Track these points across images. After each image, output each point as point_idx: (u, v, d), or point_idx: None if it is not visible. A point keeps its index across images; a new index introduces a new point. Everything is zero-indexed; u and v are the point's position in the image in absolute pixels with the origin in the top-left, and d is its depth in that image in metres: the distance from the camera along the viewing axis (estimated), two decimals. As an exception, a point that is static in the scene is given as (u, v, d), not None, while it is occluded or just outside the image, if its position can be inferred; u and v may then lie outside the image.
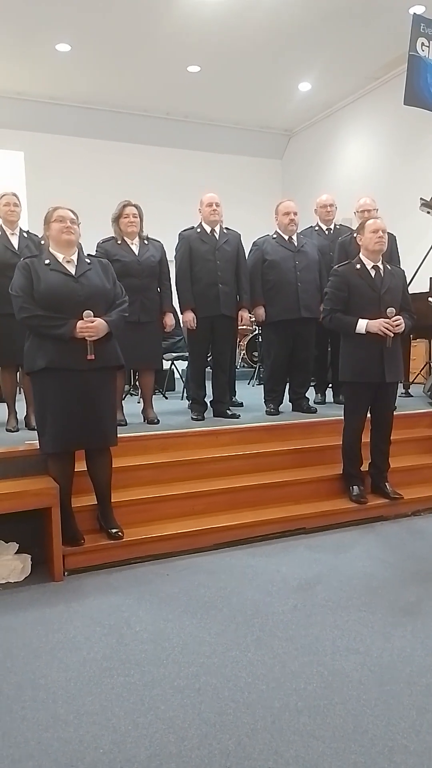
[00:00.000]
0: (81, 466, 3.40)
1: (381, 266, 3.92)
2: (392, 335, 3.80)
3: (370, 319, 3.80)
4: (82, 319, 3.12)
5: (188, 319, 4.70)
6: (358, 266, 3.90)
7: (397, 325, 3.79)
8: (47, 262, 3.22)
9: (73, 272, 3.23)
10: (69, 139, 9.95)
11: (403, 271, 4.17)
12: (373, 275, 3.88)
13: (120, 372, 3.66)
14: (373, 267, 3.90)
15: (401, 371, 4.15)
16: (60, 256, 3.25)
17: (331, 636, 2.56)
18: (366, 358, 3.85)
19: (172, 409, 5.33)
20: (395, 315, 3.80)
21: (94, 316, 3.15)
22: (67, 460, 3.33)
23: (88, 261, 3.34)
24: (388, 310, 3.79)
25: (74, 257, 3.27)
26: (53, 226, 3.26)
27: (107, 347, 3.25)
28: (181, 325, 4.91)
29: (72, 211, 3.31)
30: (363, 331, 3.81)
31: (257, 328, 7.77)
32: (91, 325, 3.13)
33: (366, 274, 3.88)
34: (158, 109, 10.22)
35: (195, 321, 4.69)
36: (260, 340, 7.37)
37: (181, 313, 4.76)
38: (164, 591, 3.04)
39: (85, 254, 3.38)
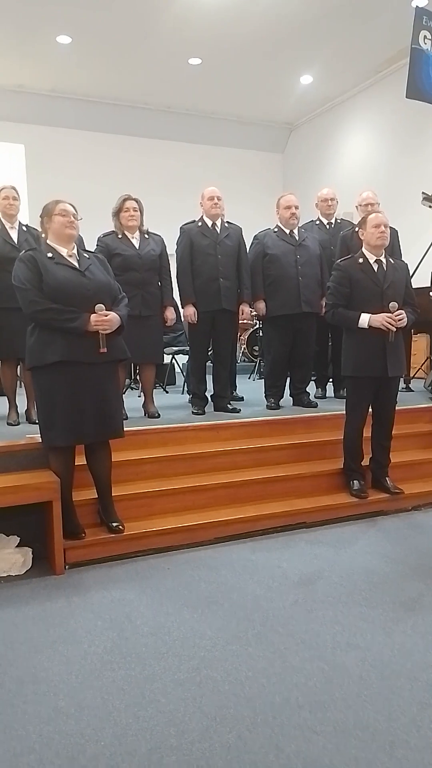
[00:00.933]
0: (80, 460, 3.40)
1: (384, 260, 3.90)
2: (395, 329, 3.79)
3: (372, 314, 3.79)
4: (94, 312, 3.12)
5: (189, 313, 4.69)
6: (361, 260, 3.89)
7: (399, 320, 3.78)
8: (50, 255, 3.20)
9: (78, 266, 3.23)
10: (69, 132, 9.92)
11: (407, 264, 4.15)
12: (375, 269, 3.87)
13: (121, 366, 3.65)
14: (375, 261, 3.88)
15: (404, 366, 4.14)
16: (63, 251, 3.24)
17: (332, 631, 2.56)
18: (368, 352, 3.84)
19: (172, 404, 5.33)
20: (398, 309, 3.79)
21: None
22: (69, 454, 3.33)
23: (87, 256, 3.35)
24: (391, 304, 3.78)
25: (74, 252, 3.28)
26: (56, 219, 3.24)
27: (115, 340, 3.26)
28: (182, 319, 4.90)
29: (73, 206, 3.30)
30: (366, 326, 3.80)
31: (258, 322, 7.76)
32: (106, 319, 3.14)
33: (368, 268, 3.87)
34: (159, 103, 10.18)
35: (196, 315, 4.68)
36: (260, 334, 7.37)
37: (182, 308, 4.75)
38: (165, 585, 3.04)
39: (83, 249, 3.37)
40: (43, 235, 4.62)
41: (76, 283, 3.17)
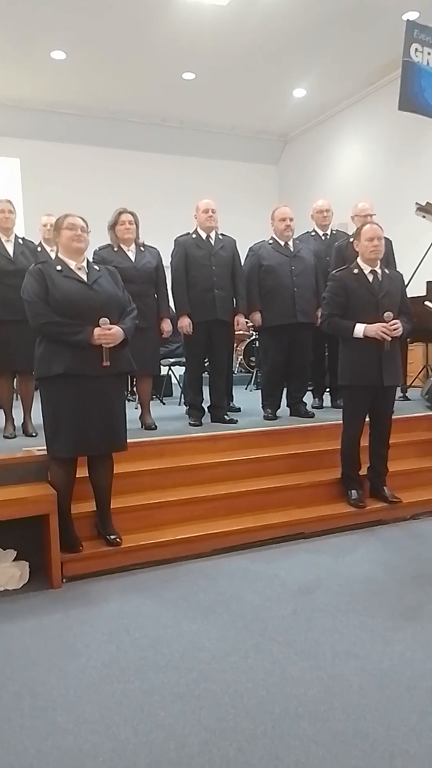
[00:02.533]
0: (79, 472, 3.39)
1: (379, 270, 3.93)
2: (390, 339, 3.81)
3: (368, 323, 3.80)
4: (98, 326, 3.14)
5: (184, 324, 4.70)
6: (356, 271, 3.91)
7: (394, 329, 3.79)
8: (59, 268, 3.23)
9: (86, 279, 3.24)
10: (65, 146, 9.98)
11: (402, 274, 4.17)
12: (371, 280, 3.89)
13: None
14: (371, 272, 3.90)
15: (400, 375, 4.15)
16: (72, 264, 3.27)
17: (331, 640, 2.55)
18: (364, 362, 3.85)
19: (169, 415, 5.33)
20: (393, 319, 3.81)
21: (110, 323, 3.17)
22: (72, 466, 3.33)
23: (97, 268, 3.37)
24: (386, 314, 3.80)
25: (84, 264, 3.30)
26: (64, 233, 3.27)
27: (121, 353, 3.28)
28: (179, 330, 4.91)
29: (82, 219, 3.33)
30: (361, 336, 3.81)
31: (254, 333, 7.78)
32: (109, 333, 3.15)
33: (363, 278, 3.89)
34: (154, 116, 10.25)
35: (191, 326, 4.70)
36: (257, 345, 7.38)
37: (177, 319, 4.76)
38: (163, 597, 3.03)
39: (91, 261, 3.40)
40: (39, 250, 4.66)
41: (82, 296, 3.18)
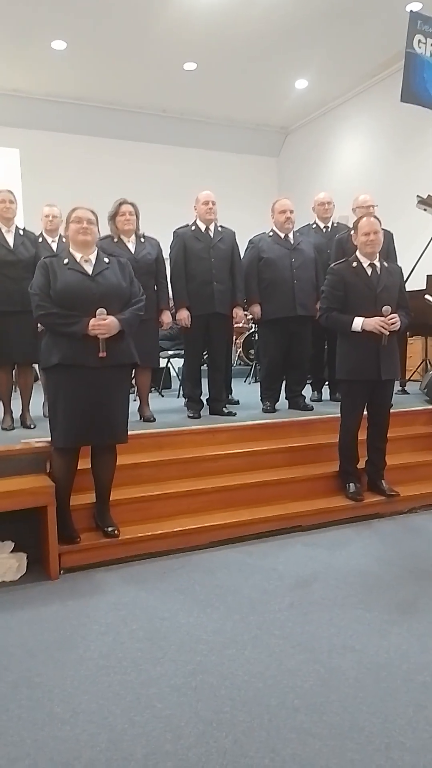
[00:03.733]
0: (80, 464, 3.40)
1: (378, 264, 3.91)
2: (388, 333, 3.80)
3: (366, 317, 3.80)
4: (95, 317, 3.13)
5: (183, 317, 4.69)
6: (355, 264, 3.90)
7: (392, 323, 3.79)
8: (66, 261, 3.26)
9: (90, 271, 3.25)
10: (64, 136, 9.92)
11: (401, 268, 4.16)
12: (369, 273, 3.88)
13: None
14: (369, 265, 3.89)
15: (398, 369, 4.15)
16: (78, 256, 3.27)
17: (328, 634, 2.56)
18: (362, 356, 3.85)
19: (168, 407, 5.33)
20: (391, 313, 3.80)
21: (108, 314, 3.17)
22: (72, 457, 3.34)
23: (107, 260, 3.36)
24: (384, 308, 3.79)
25: (92, 257, 3.30)
26: (71, 227, 3.29)
27: (121, 345, 3.27)
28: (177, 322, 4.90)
29: (92, 212, 3.33)
30: (359, 330, 3.81)
31: (253, 326, 7.76)
32: (103, 323, 3.15)
33: (362, 272, 3.88)
34: (154, 107, 10.19)
35: (189, 319, 4.68)
36: (255, 338, 7.37)
37: (176, 311, 4.75)
38: (160, 589, 3.03)
39: (104, 254, 3.39)
40: (41, 241, 4.67)
41: (81, 288, 3.19)
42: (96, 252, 3.33)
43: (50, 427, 3.33)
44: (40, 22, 7.49)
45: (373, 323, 3.77)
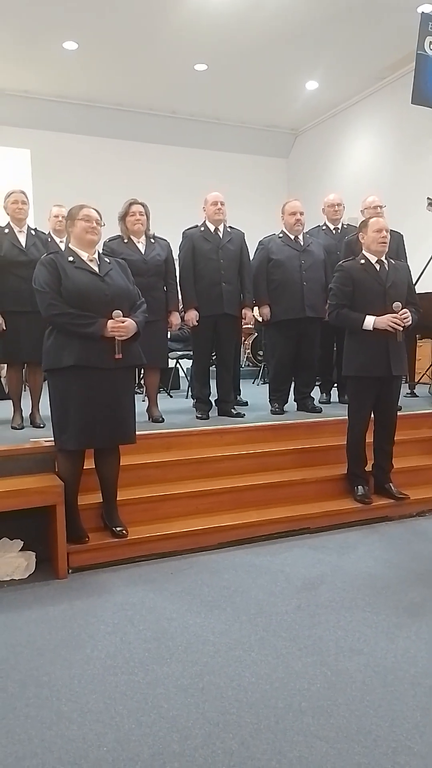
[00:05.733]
0: (86, 464, 3.40)
1: (385, 261, 3.91)
2: (401, 329, 3.79)
3: (376, 314, 3.78)
4: (111, 318, 3.13)
5: (191, 317, 4.70)
6: (363, 261, 3.90)
7: (404, 319, 3.78)
8: (71, 259, 3.22)
9: (98, 271, 3.24)
10: (75, 137, 9.95)
11: (408, 265, 4.15)
12: (377, 269, 3.88)
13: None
14: (377, 262, 3.89)
15: (406, 365, 4.14)
16: (84, 255, 3.26)
17: (335, 636, 2.56)
18: (372, 353, 3.84)
19: (176, 408, 5.33)
20: (401, 309, 3.79)
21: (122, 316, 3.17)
22: (79, 458, 3.34)
23: (108, 261, 3.36)
24: (395, 304, 3.78)
25: (95, 256, 3.30)
26: (78, 224, 3.26)
27: (131, 347, 3.28)
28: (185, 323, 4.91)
29: (97, 212, 3.32)
30: (370, 328, 3.79)
31: (261, 327, 7.75)
32: (122, 325, 3.15)
33: (371, 268, 3.88)
34: (164, 108, 10.20)
35: (198, 319, 4.69)
36: (264, 339, 7.36)
37: (184, 312, 4.75)
38: (168, 590, 3.04)
39: (102, 253, 3.40)
40: (50, 240, 4.64)
41: (94, 288, 3.18)
42: (97, 252, 3.33)
43: (56, 430, 3.28)
44: (52, 23, 7.52)
45: (385, 321, 3.76)
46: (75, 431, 3.20)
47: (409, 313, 3.80)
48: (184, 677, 2.27)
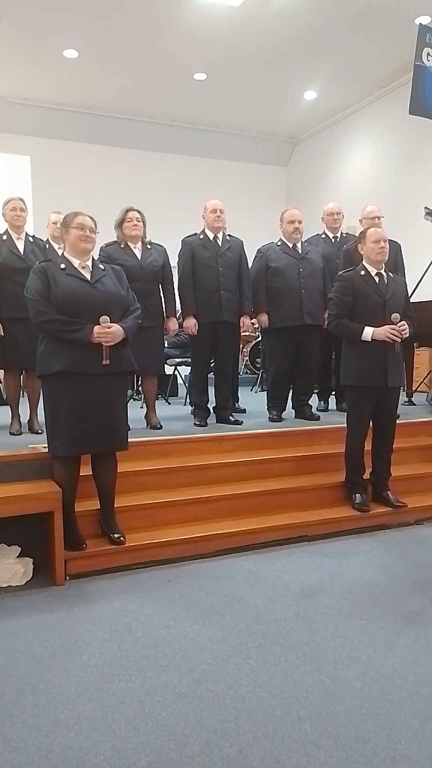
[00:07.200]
0: (84, 470, 3.40)
1: (384, 273, 3.94)
2: (399, 340, 3.81)
3: (375, 325, 3.81)
4: (99, 324, 3.14)
5: (190, 325, 4.70)
6: (363, 272, 3.92)
7: (403, 330, 3.80)
8: (63, 266, 3.24)
9: (89, 278, 3.25)
10: (75, 145, 10.01)
11: (404, 279, 4.19)
12: (377, 281, 3.90)
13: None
14: (377, 274, 3.91)
15: (403, 376, 4.16)
16: (76, 262, 3.27)
17: (333, 644, 2.55)
18: (370, 363, 3.85)
19: (174, 415, 5.33)
20: (399, 321, 3.82)
21: (111, 322, 3.17)
22: (74, 464, 3.33)
23: (102, 267, 3.37)
24: (393, 315, 3.81)
25: (89, 263, 3.30)
26: (72, 232, 3.27)
27: (122, 352, 3.27)
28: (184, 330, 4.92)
29: (92, 219, 3.33)
30: (369, 339, 3.82)
31: (259, 335, 7.77)
32: (108, 331, 3.15)
33: (371, 279, 3.90)
34: (164, 116, 10.27)
35: (197, 327, 4.70)
36: (261, 347, 7.36)
37: (183, 319, 4.76)
38: (166, 597, 3.03)
39: (97, 260, 3.40)
40: (48, 247, 4.65)
41: (83, 294, 3.18)
42: (91, 259, 3.34)
43: (49, 436, 3.29)
44: (52, 31, 7.57)
45: (383, 332, 3.79)
46: (65, 437, 3.20)
47: (407, 325, 3.83)
48: (182, 685, 2.26)
